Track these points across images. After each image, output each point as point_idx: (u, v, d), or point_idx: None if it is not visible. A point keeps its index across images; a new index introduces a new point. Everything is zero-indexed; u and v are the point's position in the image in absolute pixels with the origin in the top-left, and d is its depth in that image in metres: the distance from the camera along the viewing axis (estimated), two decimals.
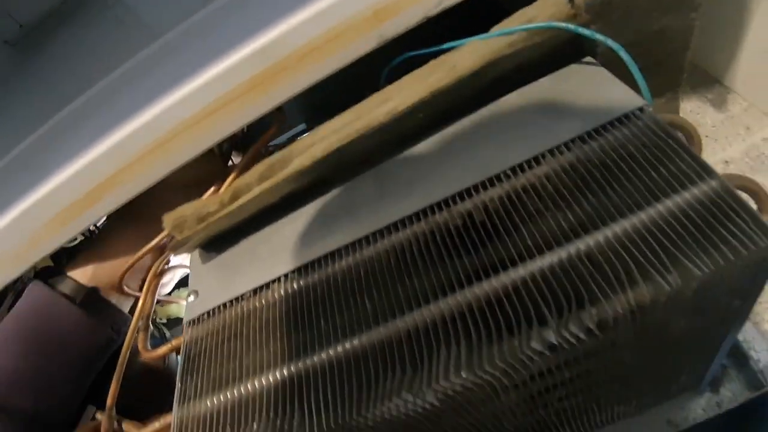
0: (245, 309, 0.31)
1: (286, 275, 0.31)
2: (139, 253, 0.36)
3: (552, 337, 0.22)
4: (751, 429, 0.39)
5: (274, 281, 0.31)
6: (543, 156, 0.28)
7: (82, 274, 0.41)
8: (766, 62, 0.50)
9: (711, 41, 0.54)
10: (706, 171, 0.25)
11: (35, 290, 0.40)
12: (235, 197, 0.32)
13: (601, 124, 0.28)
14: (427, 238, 0.28)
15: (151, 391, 0.45)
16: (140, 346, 0.35)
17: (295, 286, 0.31)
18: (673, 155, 0.26)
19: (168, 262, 0.39)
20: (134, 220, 0.40)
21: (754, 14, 0.50)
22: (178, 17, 0.34)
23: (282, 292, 0.31)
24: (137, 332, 0.35)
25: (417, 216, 0.29)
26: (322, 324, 0.28)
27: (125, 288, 0.39)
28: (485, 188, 0.29)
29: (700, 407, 0.39)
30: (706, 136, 0.53)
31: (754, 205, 0.26)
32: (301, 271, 0.31)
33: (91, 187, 0.34)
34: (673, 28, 0.33)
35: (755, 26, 0.50)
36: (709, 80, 0.56)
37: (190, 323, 0.33)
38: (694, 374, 0.36)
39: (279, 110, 0.33)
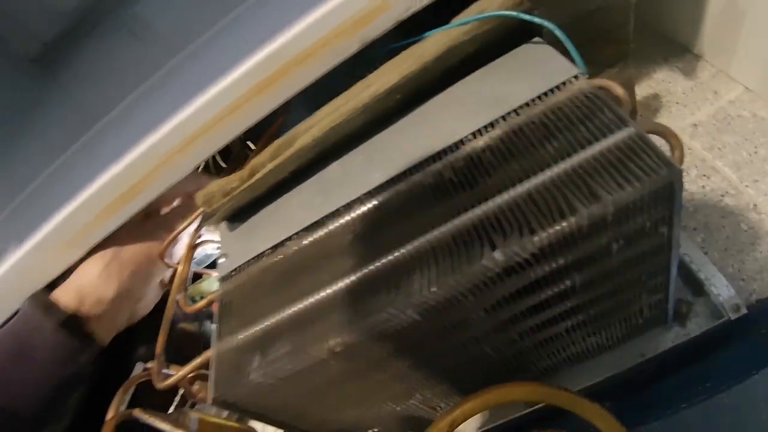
0: (266, 263, 0.39)
1: (297, 233, 0.39)
2: (180, 228, 0.45)
3: (499, 255, 0.29)
4: (715, 353, 0.45)
5: (287, 239, 0.39)
6: (497, 121, 0.35)
7: (68, 297, 0.48)
8: (730, 28, 0.55)
9: (680, 10, 0.60)
10: (622, 121, 0.31)
11: (26, 306, 0.46)
12: (252, 173, 0.41)
13: (543, 91, 0.35)
14: (407, 194, 0.36)
15: (189, 353, 0.54)
16: (181, 303, 0.43)
17: (304, 241, 0.39)
18: (598, 111, 0.32)
19: (200, 236, 0.47)
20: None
21: None
22: (193, 31, 0.43)
23: (294, 247, 0.39)
24: (178, 293, 0.44)
25: (399, 177, 0.37)
26: (327, 266, 0.36)
27: (166, 261, 0.48)
28: (452, 151, 0.36)
29: (670, 339, 0.45)
30: (677, 103, 0.58)
31: (666, 146, 0.32)
32: (308, 229, 0.39)
33: (131, 184, 0.43)
34: (610, 4, 0.39)
35: None
36: (679, 49, 0.61)
37: (222, 279, 0.41)
38: (655, 307, 0.42)
39: (284, 105, 0.41)
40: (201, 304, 0.42)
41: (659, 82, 0.60)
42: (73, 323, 0.46)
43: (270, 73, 0.37)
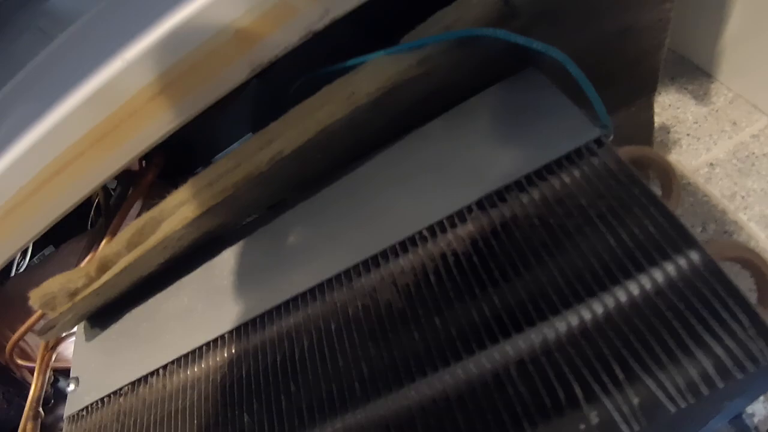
0: (122, 408, 0.24)
1: (165, 366, 0.24)
2: (22, 329, 0.29)
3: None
4: None
5: (152, 373, 0.24)
6: (469, 210, 0.20)
7: None
8: (754, 45, 0.40)
9: (689, 23, 0.44)
10: (685, 240, 0.16)
11: None
12: (102, 269, 0.25)
13: (544, 164, 0.20)
14: (328, 320, 0.21)
15: None
16: None
17: (178, 378, 0.23)
18: (641, 213, 0.17)
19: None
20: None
21: None
22: None
23: (161, 386, 0.23)
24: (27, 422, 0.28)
25: (318, 290, 0.21)
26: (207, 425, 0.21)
27: (18, 362, 0.32)
28: (396, 255, 0.21)
29: None
30: (688, 135, 0.44)
31: (752, 291, 0.17)
32: (183, 360, 0.23)
33: None
34: (642, 24, 0.24)
35: (741, 2, 0.40)
36: (689, 68, 0.46)
37: (69, 419, 0.26)
38: None
39: (156, 156, 0.25)
40: None
41: (665, 108, 0.45)
42: None
43: (110, 114, 0.21)
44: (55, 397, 0.34)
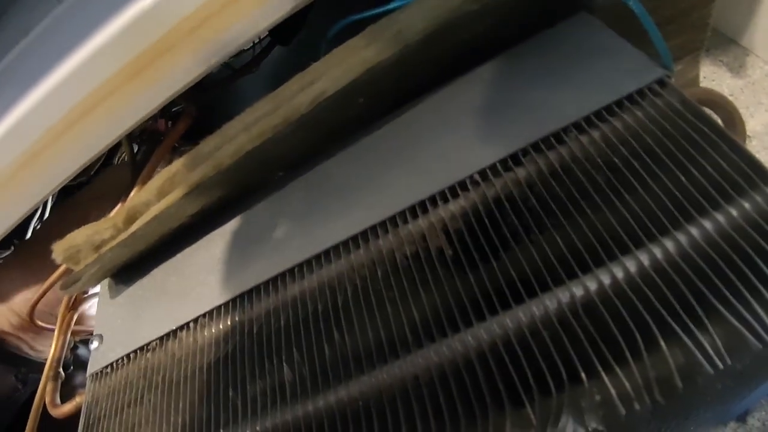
0: (149, 363, 0.23)
1: (196, 319, 0.23)
2: (45, 285, 0.28)
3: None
4: None
5: (182, 327, 0.23)
6: (524, 153, 0.19)
7: None
8: None
9: None
10: (761, 175, 0.16)
11: None
12: (131, 219, 0.24)
13: (605, 105, 0.19)
14: (374, 268, 0.20)
15: None
16: (47, 400, 0.27)
17: (211, 331, 0.22)
18: (712, 150, 0.17)
19: (86, 290, 0.31)
20: (36, 247, 0.32)
21: None
22: None
23: (192, 341, 0.23)
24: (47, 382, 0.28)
25: (361, 237, 0.21)
26: (247, 387, 0.20)
27: (38, 323, 0.31)
28: (446, 200, 0.20)
29: None
30: None
31: None
32: (216, 312, 0.23)
33: None
34: None
35: None
36: (724, 41, 0.45)
37: (93, 377, 0.25)
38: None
39: (184, 115, 0.24)
40: (68, 408, 0.26)
41: (700, 80, 0.44)
42: None
43: (148, 46, 0.20)
44: (74, 363, 0.34)
